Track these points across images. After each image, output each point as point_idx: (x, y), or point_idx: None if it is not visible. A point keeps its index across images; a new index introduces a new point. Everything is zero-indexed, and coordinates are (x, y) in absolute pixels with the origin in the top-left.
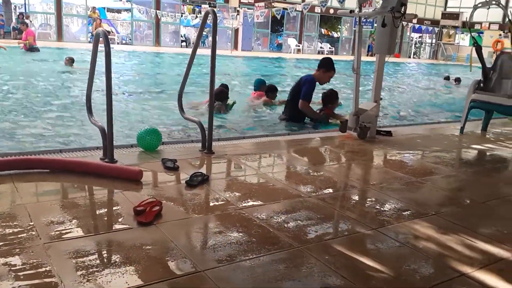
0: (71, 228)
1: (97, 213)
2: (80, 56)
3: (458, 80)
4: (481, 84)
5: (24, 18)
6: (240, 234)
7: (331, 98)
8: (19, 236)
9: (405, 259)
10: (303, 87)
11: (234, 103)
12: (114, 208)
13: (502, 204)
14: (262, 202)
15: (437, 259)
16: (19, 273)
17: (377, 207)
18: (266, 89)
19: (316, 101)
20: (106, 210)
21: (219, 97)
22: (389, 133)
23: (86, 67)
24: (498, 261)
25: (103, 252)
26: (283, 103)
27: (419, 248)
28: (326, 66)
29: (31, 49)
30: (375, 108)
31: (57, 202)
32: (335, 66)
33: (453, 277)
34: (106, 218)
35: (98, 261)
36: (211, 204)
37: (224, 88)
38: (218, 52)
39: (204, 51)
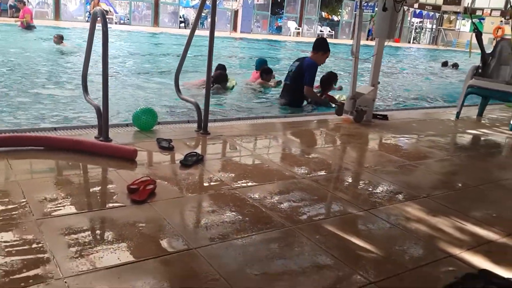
0: (64, 205)
1: (90, 190)
2: (77, 35)
3: (455, 66)
4: (480, 70)
5: None
6: (233, 213)
7: (329, 81)
8: (12, 212)
9: (395, 240)
10: (307, 73)
11: (234, 85)
12: (108, 186)
13: (494, 188)
14: (256, 183)
15: (427, 241)
16: (11, 249)
17: (370, 189)
18: (260, 71)
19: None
20: (100, 187)
21: (218, 80)
22: (385, 117)
23: (75, 45)
24: (486, 243)
25: (96, 229)
26: (278, 84)
27: (410, 229)
28: (324, 49)
29: (28, 27)
30: (372, 92)
31: (50, 179)
32: (337, 50)
33: (441, 257)
34: (99, 196)
35: (90, 238)
36: (205, 183)
37: (222, 70)
38: (216, 33)
39: (202, 32)
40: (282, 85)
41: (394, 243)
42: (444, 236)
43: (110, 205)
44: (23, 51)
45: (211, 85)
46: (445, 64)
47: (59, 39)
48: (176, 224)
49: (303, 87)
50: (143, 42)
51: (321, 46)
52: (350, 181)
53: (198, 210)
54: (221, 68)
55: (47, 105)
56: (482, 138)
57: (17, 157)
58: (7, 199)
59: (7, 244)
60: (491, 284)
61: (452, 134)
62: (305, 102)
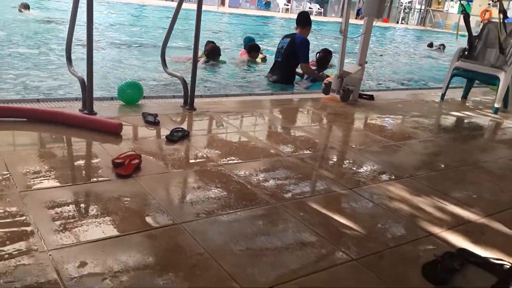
0: (48, 178)
1: (75, 164)
2: (59, 4)
3: (442, 46)
4: (466, 52)
5: None
6: (219, 189)
7: (326, 59)
8: None
9: (377, 219)
10: (300, 50)
11: (225, 62)
12: (92, 160)
13: (475, 169)
14: (242, 160)
15: (409, 220)
16: None
17: (354, 168)
18: (248, 48)
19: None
20: (84, 161)
21: (212, 54)
22: (371, 97)
23: (44, 13)
24: (466, 223)
25: (80, 203)
26: (265, 60)
27: (392, 208)
28: (309, 23)
29: None
30: (360, 71)
31: (34, 152)
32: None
33: (422, 236)
34: (84, 169)
35: (75, 211)
36: (191, 159)
37: (215, 45)
38: (204, 7)
39: (190, 6)
40: (271, 61)
41: (377, 221)
42: (425, 215)
43: (95, 179)
44: (1, 20)
45: (206, 61)
46: (430, 45)
47: (24, 7)
48: (161, 199)
49: (295, 64)
50: (129, 13)
51: (307, 21)
52: (335, 160)
53: (184, 185)
54: (212, 43)
55: (30, 76)
56: (465, 121)
57: None
58: None
59: None
60: (469, 262)
61: (436, 116)
62: (298, 78)
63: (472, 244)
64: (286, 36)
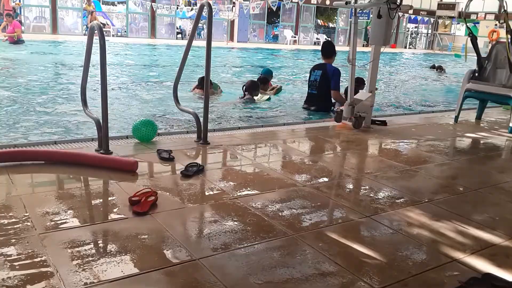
0: (67, 219)
1: (92, 203)
2: (73, 49)
3: (440, 68)
4: (476, 74)
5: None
6: (235, 222)
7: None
8: (14, 226)
9: (398, 246)
10: (334, 79)
11: (269, 98)
12: (109, 198)
13: (494, 191)
14: (257, 191)
15: (430, 246)
16: (14, 263)
17: (371, 195)
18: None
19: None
20: (101, 200)
21: (250, 90)
22: (384, 123)
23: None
24: (490, 246)
25: (98, 242)
26: (279, 91)
27: (412, 234)
28: (335, 51)
29: (17, 41)
30: (370, 98)
31: (52, 193)
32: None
33: (445, 262)
34: (101, 209)
35: (93, 251)
36: (206, 193)
37: (254, 81)
38: (213, 43)
39: (200, 43)
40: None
41: (397, 248)
42: (447, 240)
43: (113, 217)
44: (16, 66)
45: (242, 96)
46: (433, 67)
47: None
48: (178, 235)
49: (330, 93)
50: (141, 54)
51: (334, 50)
52: (351, 187)
53: (200, 220)
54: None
55: (46, 119)
56: (481, 141)
57: (18, 171)
58: (9, 214)
59: (11, 258)
60: (495, 287)
61: (451, 138)
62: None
63: (497, 268)
64: (316, 68)
